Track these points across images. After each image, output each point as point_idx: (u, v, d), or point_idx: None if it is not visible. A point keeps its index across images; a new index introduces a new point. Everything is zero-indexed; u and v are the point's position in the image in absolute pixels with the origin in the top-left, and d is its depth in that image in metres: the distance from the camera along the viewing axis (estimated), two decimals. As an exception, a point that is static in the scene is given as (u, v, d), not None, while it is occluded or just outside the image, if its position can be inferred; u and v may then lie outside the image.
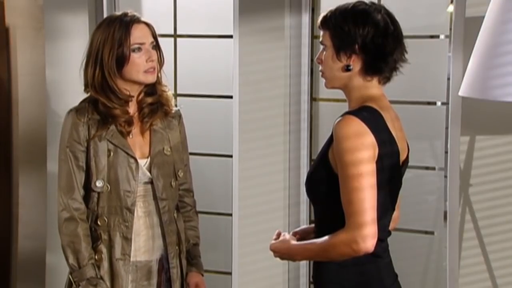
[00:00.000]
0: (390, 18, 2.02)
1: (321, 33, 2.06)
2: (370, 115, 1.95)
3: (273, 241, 2.14)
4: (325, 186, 2.00)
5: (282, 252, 2.10)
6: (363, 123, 1.91)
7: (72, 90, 3.44)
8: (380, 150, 1.93)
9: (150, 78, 2.39)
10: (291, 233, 2.20)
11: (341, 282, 2.02)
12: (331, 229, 1.95)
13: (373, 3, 2.05)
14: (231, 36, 3.41)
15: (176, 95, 3.59)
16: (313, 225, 2.21)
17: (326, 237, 1.95)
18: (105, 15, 3.56)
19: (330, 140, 1.99)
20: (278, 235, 2.16)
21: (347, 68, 2.01)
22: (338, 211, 1.93)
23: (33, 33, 3.54)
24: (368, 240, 1.87)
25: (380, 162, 1.93)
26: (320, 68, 2.09)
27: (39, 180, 3.57)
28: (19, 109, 3.53)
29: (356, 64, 2.00)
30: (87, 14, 3.56)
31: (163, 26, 3.54)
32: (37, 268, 3.60)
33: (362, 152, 1.89)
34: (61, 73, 3.60)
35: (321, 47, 2.08)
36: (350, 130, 1.91)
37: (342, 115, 1.97)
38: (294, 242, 2.10)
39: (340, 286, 2.02)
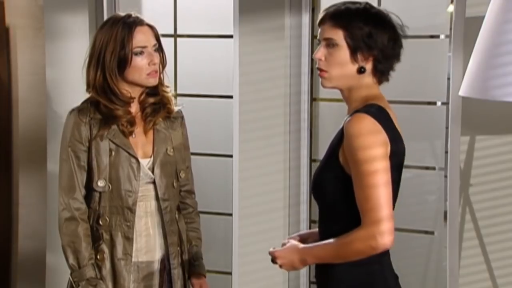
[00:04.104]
0: (394, 22, 2.03)
1: (327, 29, 2.00)
2: (380, 113, 1.95)
3: (273, 249, 2.07)
4: (334, 187, 1.98)
5: (290, 258, 2.02)
6: (375, 121, 1.91)
7: (72, 90, 3.45)
8: (392, 148, 1.93)
9: (152, 81, 2.39)
10: (287, 239, 2.15)
11: (346, 282, 2.00)
12: (340, 230, 1.93)
13: (375, 6, 2.05)
14: (231, 36, 3.41)
15: (176, 95, 3.59)
16: (308, 231, 2.19)
17: (341, 236, 1.92)
18: (105, 15, 3.56)
19: (339, 140, 1.97)
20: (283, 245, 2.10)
21: (361, 70, 1.99)
22: (348, 212, 1.93)
23: (33, 33, 3.53)
24: (386, 236, 1.86)
25: (392, 159, 1.93)
26: (320, 65, 2.02)
27: (39, 179, 3.56)
28: (19, 109, 3.52)
29: (368, 66, 2.00)
30: (87, 14, 3.57)
31: (163, 26, 3.53)
32: (37, 268, 3.59)
33: (377, 149, 1.88)
34: (61, 73, 3.60)
35: (323, 43, 2.02)
36: (363, 127, 1.89)
37: (351, 114, 1.96)
38: (302, 245, 2.04)
39: (346, 286, 2.01)
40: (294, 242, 2.07)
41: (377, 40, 1.97)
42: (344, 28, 1.97)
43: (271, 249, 2.07)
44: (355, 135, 1.89)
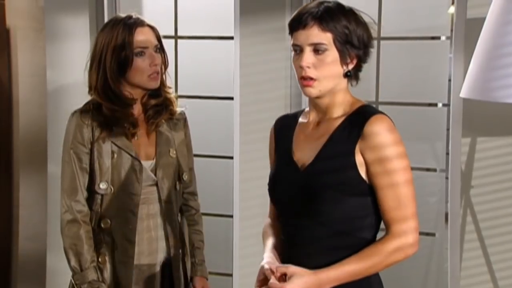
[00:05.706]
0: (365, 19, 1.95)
1: (315, 33, 1.85)
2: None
3: (279, 284, 1.80)
4: (339, 192, 1.86)
5: None
6: (392, 122, 1.88)
7: (73, 91, 3.44)
8: None
9: (153, 84, 2.38)
10: (268, 269, 1.86)
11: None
12: (336, 239, 1.88)
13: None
14: (232, 38, 3.41)
15: (177, 96, 3.58)
16: (269, 250, 1.99)
17: (369, 246, 1.84)
18: (106, 16, 3.56)
19: (351, 143, 1.87)
20: (272, 272, 1.85)
21: (347, 74, 1.90)
22: (346, 219, 1.87)
23: (34, 35, 3.54)
24: (416, 233, 1.83)
25: None
26: (310, 73, 1.87)
27: (40, 181, 3.57)
28: (20, 110, 3.53)
29: (350, 67, 1.91)
30: (88, 16, 3.56)
31: (164, 27, 3.53)
32: (37, 269, 3.59)
33: (403, 148, 1.85)
34: (61, 75, 3.59)
35: (308, 49, 1.86)
36: (388, 127, 1.84)
37: (368, 116, 1.87)
38: (314, 271, 1.82)
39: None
40: (298, 269, 1.83)
41: (363, 41, 1.89)
42: (332, 30, 1.86)
43: (274, 283, 1.82)
44: (383, 134, 1.83)
